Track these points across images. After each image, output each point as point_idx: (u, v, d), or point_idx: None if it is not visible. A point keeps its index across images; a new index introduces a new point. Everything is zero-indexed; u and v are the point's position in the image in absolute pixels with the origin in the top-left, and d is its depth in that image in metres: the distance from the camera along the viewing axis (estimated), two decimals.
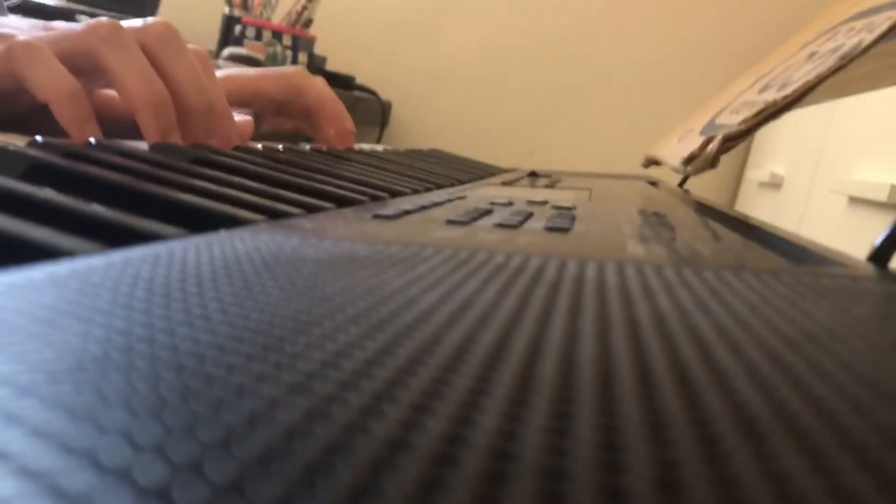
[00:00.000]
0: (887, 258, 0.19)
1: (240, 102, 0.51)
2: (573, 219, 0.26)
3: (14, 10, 0.95)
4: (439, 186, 0.42)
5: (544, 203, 0.33)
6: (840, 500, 0.06)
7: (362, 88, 1.53)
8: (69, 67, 0.32)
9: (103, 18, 0.34)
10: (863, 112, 0.96)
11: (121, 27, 0.34)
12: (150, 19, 0.36)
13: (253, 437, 0.06)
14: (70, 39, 0.34)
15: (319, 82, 0.53)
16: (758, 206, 1.38)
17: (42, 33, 0.34)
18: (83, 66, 0.33)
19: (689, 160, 0.37)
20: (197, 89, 0.37)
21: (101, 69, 0.34)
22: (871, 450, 0.06)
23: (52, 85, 0.31)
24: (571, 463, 0.06)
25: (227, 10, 1.50)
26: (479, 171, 0.60)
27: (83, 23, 0.34)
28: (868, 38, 0.32)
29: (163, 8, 1.38)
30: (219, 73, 0.51)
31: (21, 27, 0.35)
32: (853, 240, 0.85)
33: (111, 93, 0.40)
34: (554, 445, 0.06)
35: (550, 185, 0.48)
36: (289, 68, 0.54)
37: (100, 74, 0.34)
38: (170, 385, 0.07)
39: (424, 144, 0.81)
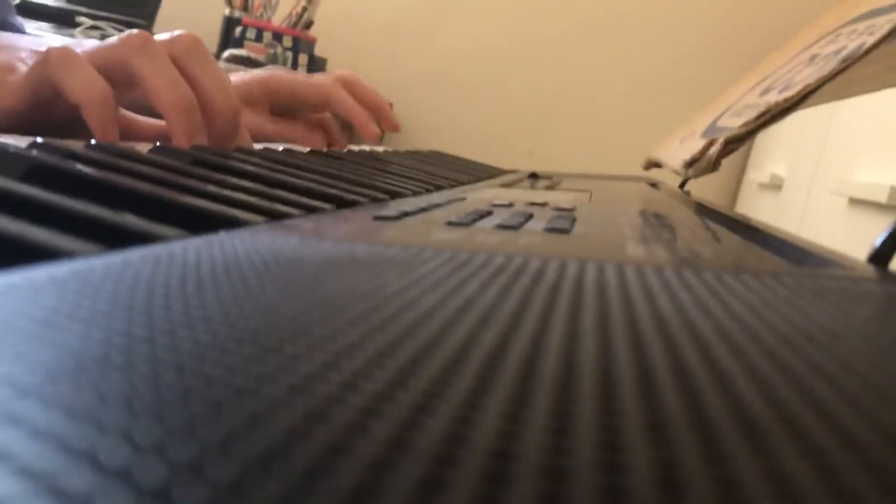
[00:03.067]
0: (887, 259, 0.19)
1: (277, 101, 0.56)
2: (573, 220, 0.26)
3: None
4: (439, 188, 0.42)
5: (545, 204, 0.33)
6: (840, 501, 0.06)
7: None
8: (103, 76, 0.35)
9: (135, 31, 0.37)
10: (863, 113, 0.97)
11: (150, 38, 0.37)
12: (176, 32, 0.39)
13: (253, 438, 0.06)
14: (104, 50, 0.36)
15: (344, 93, 0.56)
16: (758, 208, 1.38)
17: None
18: (116, 76, 0.36)
19: (691, 163, 0.37)
20: (223, 95, 0.39)
21: (133, 78, 0.36)
22: (871, 450, 0.06)
23: (85, 88, 0.34)
24: (572, 463, 0.06)
25: (227, 11, 1.50)
26: (480, 173, 0.60)
27: (115, 36, 0.37)
28: (870, 40, 0.32)
29: (163, 9, 1.38)
30: (258, 71, 0.57)
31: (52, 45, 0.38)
32: (853, 241, 0.85)
33: (133, 115, 0.43)
34: (555, 446, 0.06)
35: (551, 187, 0.48)
36: (323, 77, 0.58)
37: (132, 85, 0.37)
38: (170, 386, 0.07)
39: (425, 145, 0.81)
